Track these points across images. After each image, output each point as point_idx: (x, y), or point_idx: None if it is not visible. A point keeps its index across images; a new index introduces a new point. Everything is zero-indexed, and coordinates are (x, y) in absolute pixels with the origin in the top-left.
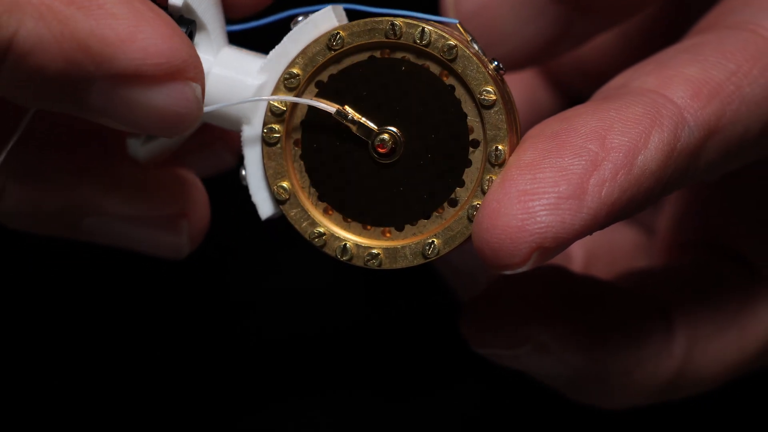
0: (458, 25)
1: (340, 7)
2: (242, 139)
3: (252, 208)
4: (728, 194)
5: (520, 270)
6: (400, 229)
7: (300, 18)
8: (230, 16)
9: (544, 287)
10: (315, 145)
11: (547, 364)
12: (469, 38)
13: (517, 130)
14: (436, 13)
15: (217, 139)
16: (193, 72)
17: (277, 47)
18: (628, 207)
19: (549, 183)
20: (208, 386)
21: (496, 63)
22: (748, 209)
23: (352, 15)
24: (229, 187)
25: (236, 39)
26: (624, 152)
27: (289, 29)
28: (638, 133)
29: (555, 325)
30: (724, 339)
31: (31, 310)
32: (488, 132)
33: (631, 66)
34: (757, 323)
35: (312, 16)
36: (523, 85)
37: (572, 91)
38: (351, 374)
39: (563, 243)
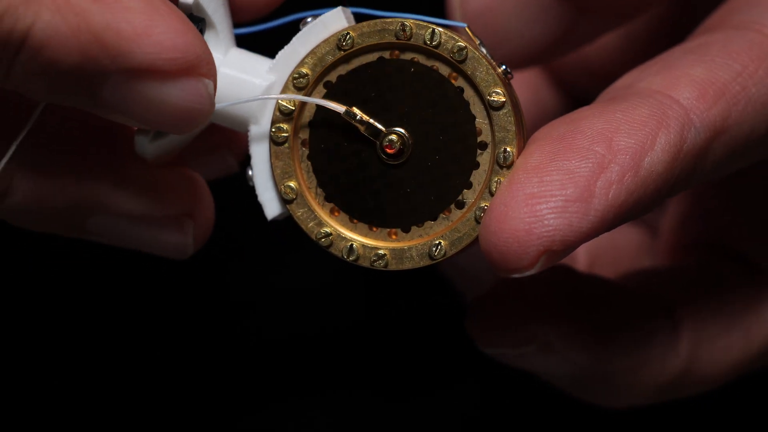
0: (467, 29)
1: (348, 10)
2: (249, 138)
3: (255, 208)
4: (732, 195)
5: (527, 273)
6: (406, 230)
7: (309, 19)
8: (238, 19)
9: (549, 287)
10: (323, 145)
11: (552, 363)
12: (478, 42)
13: (524, 134)
14: (443, 15)
15: (223, 143)
16: (206, 68)
17: (286, 47)
18: (635, 209)
19: (556, 186)
20: (208, 386)
21: (503, 67)
22: (752, 210)
23: (358, 19)
24: (229, 187)
25: (244, 42)
26: (631, 154)
27: (297, 31)
28: (645, 134)
29: (560, 325)
30: (729, 339)
31: (31, 310)
32: (497, 134)
33: (637, 66)
34: (761, 323)
35: (321, 17)
36: (527, 84)
37: (577, 90)
38: (351, 374)
39: (571, 246)
